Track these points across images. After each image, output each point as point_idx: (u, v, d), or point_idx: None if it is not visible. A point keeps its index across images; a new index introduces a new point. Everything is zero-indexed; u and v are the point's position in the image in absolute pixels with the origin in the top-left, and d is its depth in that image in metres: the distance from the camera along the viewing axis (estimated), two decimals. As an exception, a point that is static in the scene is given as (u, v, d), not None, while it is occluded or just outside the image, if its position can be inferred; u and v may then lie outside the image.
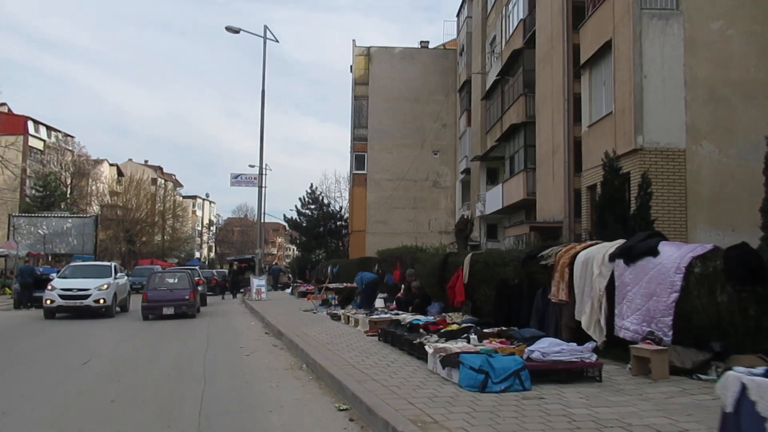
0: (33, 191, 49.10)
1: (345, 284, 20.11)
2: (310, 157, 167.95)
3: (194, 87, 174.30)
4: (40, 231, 38.75)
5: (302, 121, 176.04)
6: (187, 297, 20.20)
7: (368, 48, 43.31)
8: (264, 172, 23.44)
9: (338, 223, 43.56)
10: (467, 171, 37.31)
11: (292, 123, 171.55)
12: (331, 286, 20.50)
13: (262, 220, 24.34)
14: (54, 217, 38.81)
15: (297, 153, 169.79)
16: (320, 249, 42.40)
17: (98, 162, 70.94)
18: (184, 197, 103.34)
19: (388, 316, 12.30)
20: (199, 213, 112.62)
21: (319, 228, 42.75)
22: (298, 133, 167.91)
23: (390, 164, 42.08)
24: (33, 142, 64.08)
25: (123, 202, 66.21)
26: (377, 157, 42.24)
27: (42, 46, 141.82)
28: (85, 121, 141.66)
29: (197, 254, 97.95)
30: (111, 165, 78.03)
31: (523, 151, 24.71)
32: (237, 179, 24.55)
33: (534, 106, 23.95)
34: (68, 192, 59.62)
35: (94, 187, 64.15)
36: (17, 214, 39.13)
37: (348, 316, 14.42)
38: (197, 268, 31.18)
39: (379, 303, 15.94)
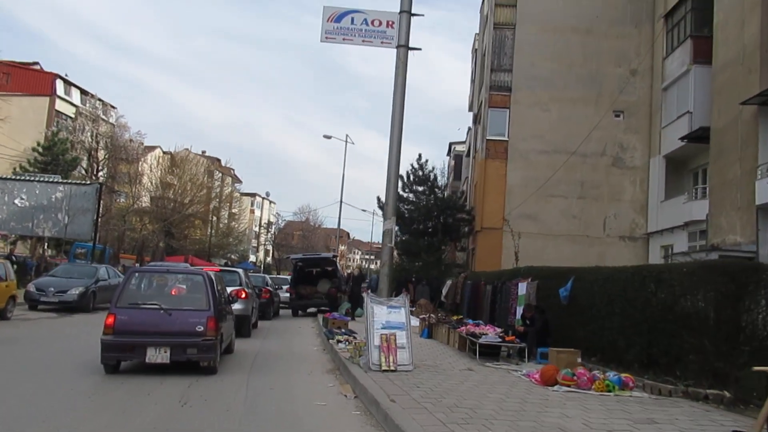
0: (35, 155, 36.39)
1: None
2: (371, 170, 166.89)
3: (260, 96, 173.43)
4: (17, 202, 25.66)
5: (364, 135, 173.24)
6: (199, 328, 9.31)
7: (517, -47, 28.59)
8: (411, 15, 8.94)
9: (457, 215, 28.67)
10: (695, 136, 22.13)
11: (355, 137, 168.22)
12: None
13: (403, 105, 9.16)
14: (36, 181, 25.59)
15: (360, 166, 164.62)
16: (430, 253, 27.51)
17: (149, 148, 59.27)
18: (242, 194, 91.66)
19: None
20: (257, 213, 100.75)
21: (428, 222, 27.99)
22: (358, 145, 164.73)
23: (545, 128, 27.18)
24: (62, 107, 52.50)
25: (164, 188, 53.74)
26: (526, 116, 27.38)
27: (121, 52, 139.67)
28: (155, 122, 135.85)
29: (252, 257, 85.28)
30: (164, 153, 66.21)
31: None
32: (338, 24, 9.54)
33: None
34: (95, 170, 47.18)
35: (129, 168, 51.55)
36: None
37: None
38: (240, 271, 17.07)
39: None
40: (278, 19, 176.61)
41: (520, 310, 12.16)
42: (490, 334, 10.25)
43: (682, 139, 23.17)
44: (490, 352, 10.12)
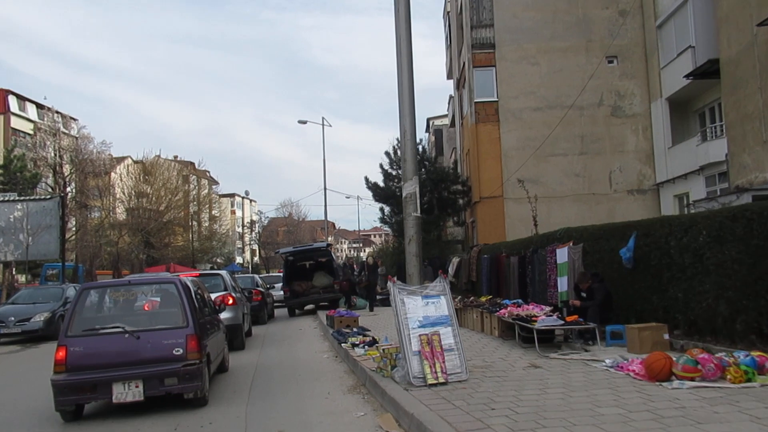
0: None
1: None
2: (345, 161, 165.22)
3: (227, 97, 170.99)
4: (-29, 226, 23.26)
5: (336, 124, 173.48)
6: (177, 351, 7.20)
7: None
8: None
9: (453, 187, 26.66)
10: (703, 72, 20.36)
11: (328, 128, 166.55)
12: None
13: (409, 22, 7.18)
14: (-10, 201, 23.18)
15: (332, 157, 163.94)
16: (429, 231, 25.62)
17: (119, 159, 56.52)
18: (221, 195, 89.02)
19: None
20: (238, 213, 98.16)
21: (422, 198, 26.06)
22: (332, 136, 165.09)
23: (536, 83, 25.32)
24: (19, 124, 49.64)
25: (138, 197, 51.20)
26: (514, 73, 25.46)
27: (81, 69, 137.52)
28: (125, 134, 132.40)
29: (239, 259, 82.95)
30: (135, 162, 63.41)
31: None
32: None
33: None
34: (62, 185, 44.45)
35: (98, 181, 48.83)
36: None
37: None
38: (223, 273, 15.07)
39: None
40: (236, 18, 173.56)
41: (562, 282, 10.25)
42: (542, 316, 8.34)
43: (687, 76, 21.37)
44: (541, 338, 8.19)
